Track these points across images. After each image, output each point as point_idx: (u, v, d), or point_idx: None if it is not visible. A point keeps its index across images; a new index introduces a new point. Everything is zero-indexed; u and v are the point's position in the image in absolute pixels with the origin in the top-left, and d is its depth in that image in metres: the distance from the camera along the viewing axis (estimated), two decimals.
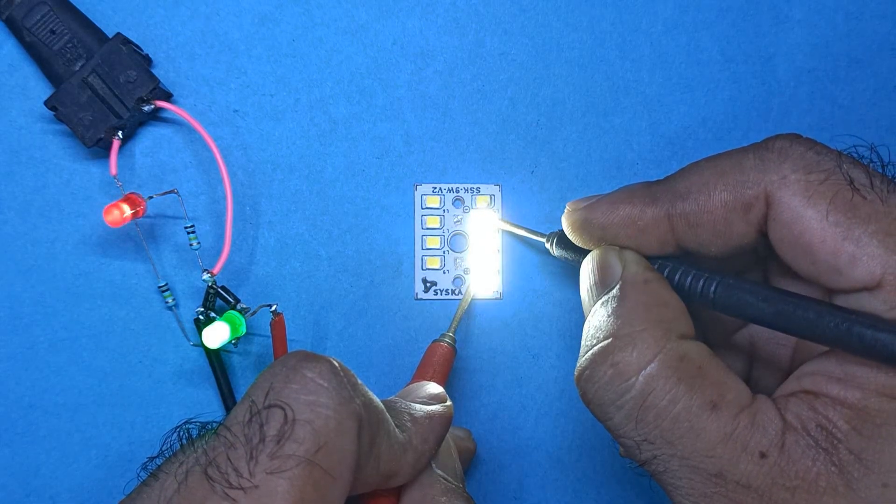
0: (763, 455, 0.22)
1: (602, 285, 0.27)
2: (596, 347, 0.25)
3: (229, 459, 0.21)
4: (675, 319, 0.25)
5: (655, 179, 0.27)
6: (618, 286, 0.26)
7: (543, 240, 0.33)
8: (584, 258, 0.29)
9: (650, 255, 0.27)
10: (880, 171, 0.23)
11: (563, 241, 0.31)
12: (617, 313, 0.25)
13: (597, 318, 0.26)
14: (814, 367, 0.23)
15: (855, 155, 0.24)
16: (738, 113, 0.37)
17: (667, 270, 0.27)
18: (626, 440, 0.24)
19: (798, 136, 0.24)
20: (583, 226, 0.28)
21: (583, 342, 0.26)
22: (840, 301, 0.23)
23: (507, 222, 0.36)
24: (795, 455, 0.22)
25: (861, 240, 0.22)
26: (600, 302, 0.26)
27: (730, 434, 0.22)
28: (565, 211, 0.29)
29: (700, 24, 0.36)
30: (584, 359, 0.25)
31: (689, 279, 0.26)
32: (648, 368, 0.23)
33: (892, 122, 0.37)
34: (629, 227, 0.27)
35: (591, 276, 0.28)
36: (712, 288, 0.25)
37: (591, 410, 0.25)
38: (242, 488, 0.20)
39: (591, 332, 0.26)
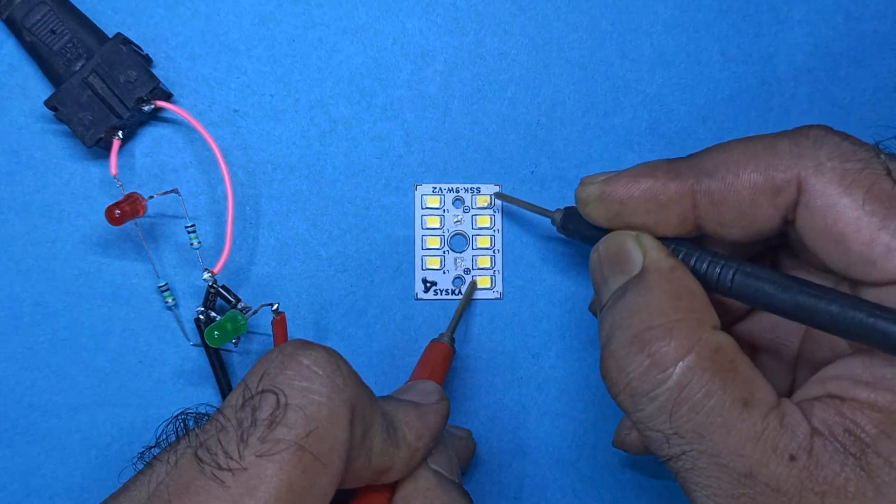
0: (793, 458, 0.21)
1: (620, 272, 0.26)
2: (628, 336, 0.24)
3: (219, 442, 0.21)
4: (704, 309, 0.24)
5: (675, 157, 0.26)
6: (641, 273, 0.25)
7: (548, 216, 0.32)
8: (593, 237, 0.28)
9: (664, 236, 0.26)
10: None
11: (571, 218, 0.30)
12: (647, 302, 0.24)
13: (624, 307, 0.25)
14: (838, 370, 0.23)
15: (884, 148, 0.23)
16: (738, 113, 0.37)
17: (681, 255, 0.26)
18: (654, 433, 0.23)
19: (831, 128, 0.24)
20: (599, 199, 0.27)
21: (608, 331, 0.25)
22: (867, 294, 0.23)
23: (508, 196, 0.35)
24: (824, 460, 0.21)
25: None
26: (622, 290, 0.25)
27: (760, 434, 0.22)
28: (580, 184, 0.28)
29: (700, 24, 0.36)
30: (615, 348, 0.24)
31: (706, 265, 0.25)
32: (686, 360, 0.23)
33: (892, 122, 0.37)
34: (650, 201, 0.26)
35: (607, 261, 0.27)
36: (730, 275, 0.25)
37: (618, 401, 0.24)
38: (231, 470, 0.20)
39: (618, 321, 0.24)
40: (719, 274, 0.25)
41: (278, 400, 0.21)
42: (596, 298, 0.28)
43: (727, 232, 0.25)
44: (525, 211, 0.35)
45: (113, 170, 0.34)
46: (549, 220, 0.33)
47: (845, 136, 0.23)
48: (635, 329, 0.24)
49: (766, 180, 0.24)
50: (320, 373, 0.22)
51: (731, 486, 0.22)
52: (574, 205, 0.29)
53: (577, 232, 0.30)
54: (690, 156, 0.26)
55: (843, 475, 0.21)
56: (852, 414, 0.22)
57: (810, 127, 0.24)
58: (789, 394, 0.25)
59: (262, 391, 0.22)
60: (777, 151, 0.24)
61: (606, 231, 0.28)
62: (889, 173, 0.22)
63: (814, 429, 0.22)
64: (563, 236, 0.31)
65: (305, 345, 0.23)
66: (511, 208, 0.36)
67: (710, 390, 0.22)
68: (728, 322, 0.29)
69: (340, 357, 0.24)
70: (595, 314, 0.32)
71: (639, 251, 0.26)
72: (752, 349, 0.29)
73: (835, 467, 0.21)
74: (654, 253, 0.26)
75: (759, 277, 0.24)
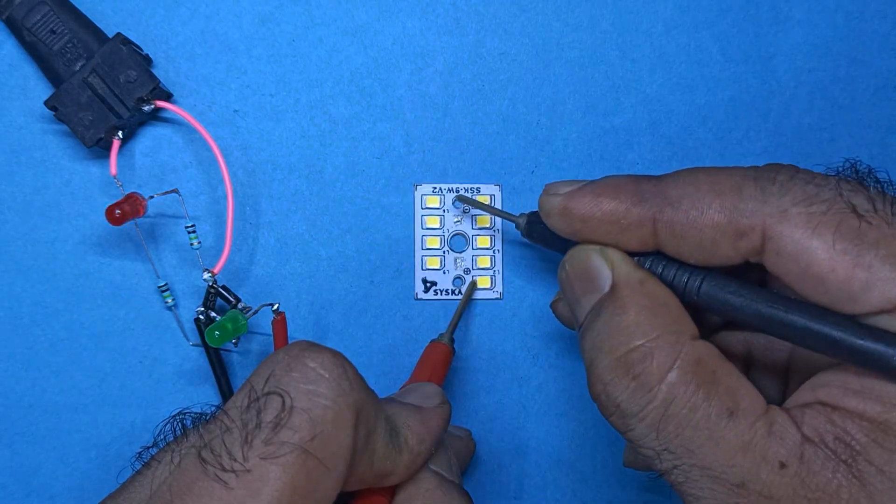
0: (783, 465, 0.21)
1: (591, 290, 0.26)
2: (611, 360, 0.24)
3: (224, 443, 0.21)
4: (680, 320, 0.24)
5: (645, 175, 0.26)
6: (612, 290, 0.25)
7: (513, 220, 0.31)
8: (559, 245, 0.28)
9: (629, 251, 0.26)
10: (881, 190, 0.22)
11: (536, 224, 0.30)
12: (624, 322, 0.24)
13: (602, 328, 0.25)
14: (830, 377, 0.23)
15: (852, 171, 0.23)
16: (738, 113, 0.37)
17: (648, 264, 0.26)
18: (646, 450, 0.24)
19: (798, 169, 0.24)
20: (562, 213, 0.26)
21: (591, 353, 0.25)
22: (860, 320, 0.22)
23: (469, 199, 0.35)
24: (815, 467, 0.21)
25: (873, 265, 0.21)
26: (596, 309, 0.25)
27: (748, 443, 0.22)
28: (544, 192, 0.27)
29: (700, 24, 0.36)
30: (601, 372, 0.24)
31: (673, 274, 0.25)
32: (669, 377, 0.23)
33: (891, 122, 0.37)
34: (611, 224, 0.25)
35: (576, 279, 0.26)
36: (696, 285, 0.25)
37: (611, 422, 0.25)
38: (234, 472, 0.20)
39: (598, 343, 0.25)
40: (686, 283, 0.25)
41: (283, 402, 0.21)
42: (572, 314, 0.27)
43: (687, 259, 0.25)
44: (525, 210, 0.35)
45: (113, 170, 0.34)
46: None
47: (810, 178, 0.23)
48: (617, 352, 0.24)
49: (729, 222, 0.23)
50: (326, 376, 0.22)
51: (725, 497, 0.22)
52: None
53: (543, 238, 0.30)
54: (657, 179, 0.25)
55: (836, 482, 0.21)
56: (843, 422, 0.22)
57: (778, 170, 0.24)
58: (783, 399, 0.24)
59: (268, 393, 0.22)
60: (743, 195, 0.23)
61: (571, 241, 0.27)
62: (854, 209, 0.22)
63: (804, 436, 0.22)
64: (528, 241, 0.31)
65: (312, 347, 0.23)
66: (512, 208, 0.36)
67: (695, 404, 0.22)
68: (720, 327, 0.29)
69: (346, 360, 0.23)
70: (555, 314, 0.32)
71: (606, 266, 0.26)
72: (749, 359, 0.28)
73: (826, 474, 0.21)
74: (622, 267, 0.25)
75: (725, 289, 0.24)
